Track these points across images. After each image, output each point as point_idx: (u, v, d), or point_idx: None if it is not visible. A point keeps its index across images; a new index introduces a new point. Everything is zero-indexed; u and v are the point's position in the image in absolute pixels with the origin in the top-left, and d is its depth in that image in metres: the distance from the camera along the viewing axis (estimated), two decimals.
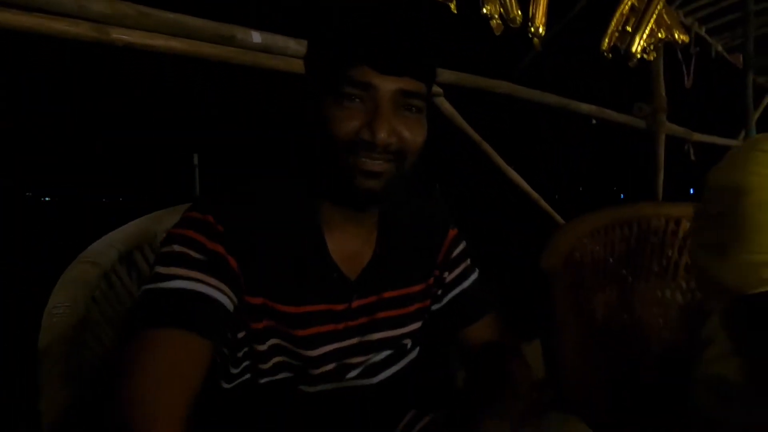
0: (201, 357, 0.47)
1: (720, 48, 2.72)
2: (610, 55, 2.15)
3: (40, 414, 0.48)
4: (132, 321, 0.47)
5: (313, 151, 0.55)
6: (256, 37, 1.02)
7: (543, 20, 1.70)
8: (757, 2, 2.13)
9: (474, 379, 0.65)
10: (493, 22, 1.52)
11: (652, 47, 2.18)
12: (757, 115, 2.67)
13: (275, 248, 0.54)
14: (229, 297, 0.50)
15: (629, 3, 2.12)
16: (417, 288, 0.65)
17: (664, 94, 2.33)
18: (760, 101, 3.11)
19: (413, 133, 0.52)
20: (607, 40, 2.12)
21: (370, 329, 0.61)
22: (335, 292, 0.57)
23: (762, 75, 2.60)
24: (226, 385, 0.57)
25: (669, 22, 2.27)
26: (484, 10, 1.50)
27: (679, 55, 2.43)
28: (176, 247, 0.49)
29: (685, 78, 2.59)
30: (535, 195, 1.83)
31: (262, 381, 0.56)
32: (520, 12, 1.60)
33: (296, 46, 1.09)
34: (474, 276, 0.71)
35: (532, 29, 1.70)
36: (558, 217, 1.91)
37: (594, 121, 2.11)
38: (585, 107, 1.96)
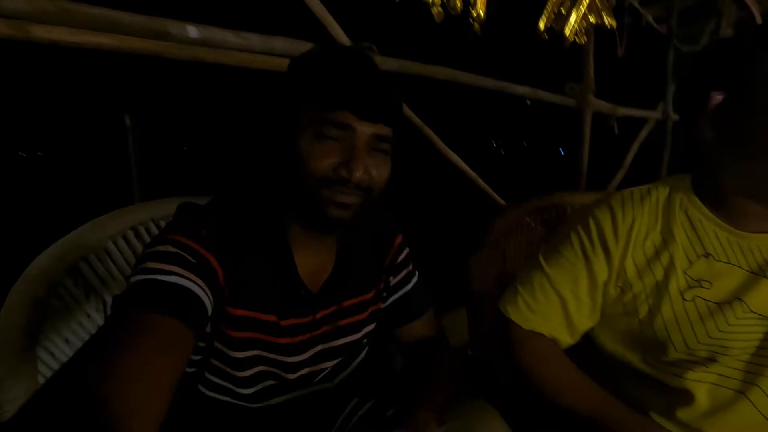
0: (188, 343, 0.50)
1: (650, 18, 2.90)
2: (546, 36, 2.25)
3: None
4: (124, 303, 0.49)
5: (285, 179, 0.59)
6: (193, 32, 1.00)
7: (483, 4, 1.75)
8: None
9: (408, 373, 0.75)
10: (434, 10, 1.55)
11: (583, 31, 2.30)
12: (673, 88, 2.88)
13: (253, 265, 0.59)
14: (210, 302, 0.54)
15: None
16: (370, 294, 0.72)
17: (592, 74, 2.48)
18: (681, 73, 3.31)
19: (381, 172, 0.59)
20: (543, 21, 2.22)
21: (334, 336, 0.67)
22: (303, 306, 0.64)
23: (686, 44, 2.81)
24: (204, 390, 0.62)
25: (600, 6, 2.39)
26: None
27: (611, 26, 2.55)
28: (172, 249, 0.52)
29: (618, 48, 2.76)
30: (473, 175, 1.94)
31: (239, 390, 0.61)
32: None
33: (235, 39, 1.08)
34: (415, 279, 0.79)
35: (474, 13, 1.74)
36: (496, 196, 2.04)
37: (528, 102, 2.23)
38: (520, 89, 2.06)
